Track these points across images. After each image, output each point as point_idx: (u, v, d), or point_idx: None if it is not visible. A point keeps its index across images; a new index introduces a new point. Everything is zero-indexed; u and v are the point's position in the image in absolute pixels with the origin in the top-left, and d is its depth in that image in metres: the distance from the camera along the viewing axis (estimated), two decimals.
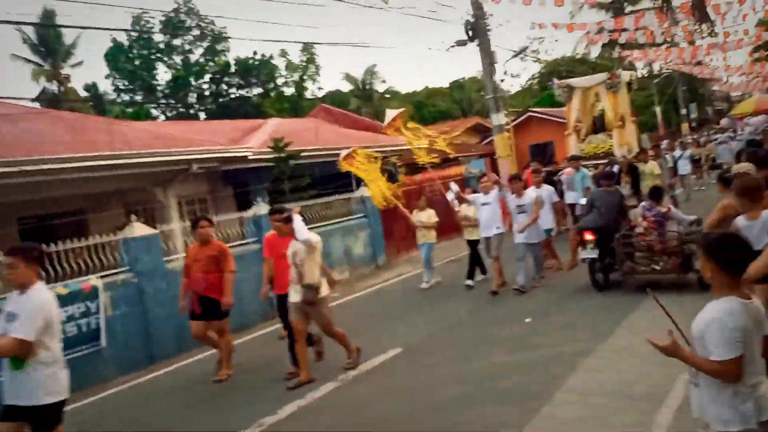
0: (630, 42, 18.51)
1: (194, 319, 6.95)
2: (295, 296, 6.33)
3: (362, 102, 36.36)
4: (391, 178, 18.70)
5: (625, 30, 16.51)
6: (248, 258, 10.36)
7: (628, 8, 25.64)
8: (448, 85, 46.40)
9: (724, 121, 24.87)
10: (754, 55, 26.54)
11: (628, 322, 6.80)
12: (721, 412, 2.63)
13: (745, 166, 6.12)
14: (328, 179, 15.01)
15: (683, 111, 39.00)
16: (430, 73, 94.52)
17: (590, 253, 8.32)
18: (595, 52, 38.32)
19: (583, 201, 10.74)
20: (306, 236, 6.23)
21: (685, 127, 36.60)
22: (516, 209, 9.08)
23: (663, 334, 2.67)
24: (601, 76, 15.58)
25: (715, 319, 2.60)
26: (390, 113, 11.03)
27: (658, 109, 36.22)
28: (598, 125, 15.95)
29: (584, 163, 13.77)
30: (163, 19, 34.41)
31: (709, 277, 2.71)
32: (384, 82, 39.84)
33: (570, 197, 12.38)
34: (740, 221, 4.55)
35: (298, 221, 6.31)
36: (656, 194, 8.56)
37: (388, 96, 39.62)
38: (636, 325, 6.60)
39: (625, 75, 15.68)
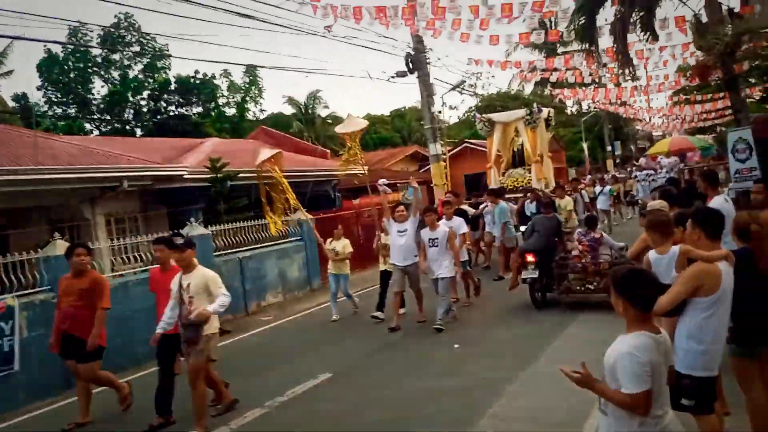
0: (560, 81, 19.42)
1: (68, 358, 6.30)
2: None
3: (305, 126, 36.38)
4: (331, 201, 18.84)
5: (556, 70, 17.36)
6: None
7: (561, 49, 26.98)
8: (389, 114, 47.14)
9: (642, 160, 26.50)
10: (673, 98, 28.43)
11: (551, 349, 7.05)
12: None
13: (659, 203, 6.54)
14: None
15: (609, 148, 41.10)
16: (373, 100, 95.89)
17: (531, 274, 9.01)
18: (528, 89, 40.01)
19: (523, 229, 11.35)
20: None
21: (609, 163, 38.55)
22: (428, 242, 8.63)
23: (577, 364, 2.76)
24: (521, 112, 16.07)
25: (625, 353, 2.68)
26: (354, 120, 10.78)
27: (585, 145, 38.01)
28: (518, 159, 16.43)
29: (507, 196, 14.06)
30: (102, 32, 33.51)
31: (621, 312, 2.80)
32: (327, 107, 40.07)
33: (493, 231, 12.51)
34: (651, 255, 4.83)
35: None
36: (591, 222, 9.57)
37: (330, 121, 39.81)
38: (557, 352, 6.85)
39: (544, 112, 16.07)
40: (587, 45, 10.98)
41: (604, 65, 16.18)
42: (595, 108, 33.61)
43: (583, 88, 21.75)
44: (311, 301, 12.45)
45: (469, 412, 5.36)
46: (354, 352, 8.00)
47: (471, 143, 27.29)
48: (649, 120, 32.00)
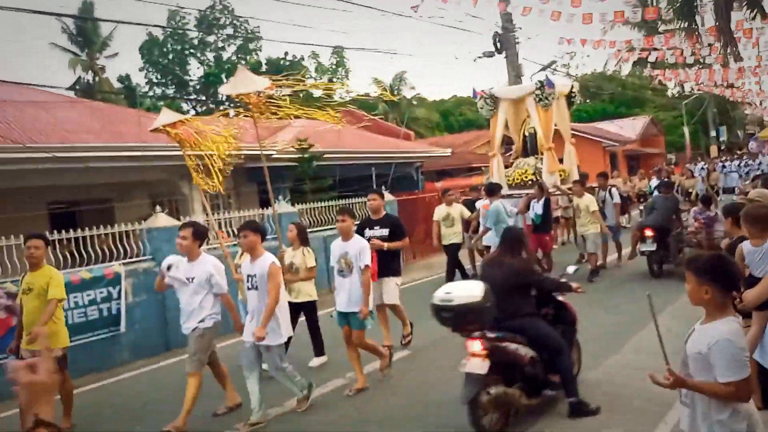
0: (660, 61, 18.31)
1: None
2: None
3: (390, 107, 36.59)
4: (414, 183, 18.95)
5: (655, 49, 16.46)
6: None
7: (661, 27, 25.54)
8: None
9: (752, 145, 24.48)
10: None
11: (636, 338, 6.87)
12: (711, 430, 2.67)
13: (757, 192, 6.18)
14: (350, 181, 15.26)
15: (713, 133, 38.53)
16: (459, 81, 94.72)
17: (649, 247, 9.91)
18: (626, 70, 38.18)
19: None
20: None
21: (713, 149, 36.18)
22: (246, 281, 5.46)
23: (661, 371, 2.71)
24: (531, 86, 12.56)
25: (723, 340, 2.61)
26: (247, 78, 7.52)
27: (686, 130, 35.89)
28: (530, 146, 12.87)
29: (516, 192, 11.76)
30: (198, 15, 35.11)
31: (707, 299, 2.70)
32: (413, 88, 40.06)
33: (487, 237, 10.14)
34: (745, 246, 4.62)
35: None
36: (706, 201, 10.72)
37: (415, 103, 39.79)
38: (642, 342, 6.66)
39: (563, 86, 12.77)
40: (688, 23, 10.35)
41: (709, 45, 15.07)
42: (698, 90, 31.59)
43: (685, 69, 20.48)
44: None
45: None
46: (432, 332, 8.00)
47: None
48: (760, 104, 29.75)
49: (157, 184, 12.90)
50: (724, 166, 23.25)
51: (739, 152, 31.25)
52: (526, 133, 12.89)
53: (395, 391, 6.01)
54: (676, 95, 42.30)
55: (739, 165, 23.13)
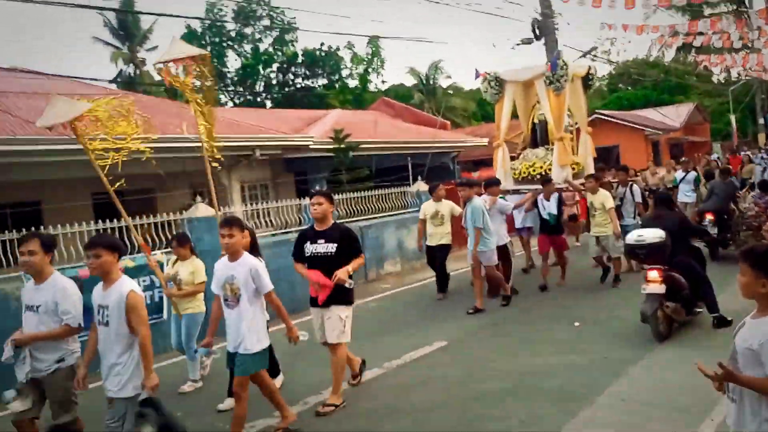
0: (706, 46, 17.68)
1: None
2: None
3: (425, 97, 36.40)
4: (450, 173, 18.82)
5: (701, 34, 15.90)
6: None
7: (707, 11, 24.60)
8: None
9: None
10: None
11: (682, 331, 6.69)
12: (761, 427, 2.61)
13: None
14: (386, 171, 15.27)
15: (761, 120, 37.07)
16: (497, 70, 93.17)
17: (711, 230, 9.84)
18: (669, 56, 36.92)
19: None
20: None
21: (761, 137, 34.85)
22: (98, 313, 4.19)
23: (705, 348, 2.67)
24: (541, 68, 10.97)
25: None
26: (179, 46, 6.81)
27: (733, 118, 34.67)
28: (540, 135, 11.33)
29: (523, 188, 10.73)
30: (236, 8, 35.45)
31: (763, 293, 2.61)
32: (449, 77, 39.83)
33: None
34: None
35: None
36: (765, 186, 10.78)
37: (451, 92, 39.48)
38: (688, 336, 6.49)
39: (579, 68, 11.35)
40: (736, 6, 9.95)
41: (758, 28, 14.47)
42: (746, 76, 30.44)
43: (733, 53, 19.71)
44: (427, 272, 12.57)
45: (588, 390, 5.25)
46: (470, 323, 8.05)
47: (603, 114, 25.95)
48: None
49: (197, 174, 13.09)
50: (763, 157, 21.74)
51: None
52: (536, 121, 11.54)
53: (432, 384, 5.99)
54: (722, 81, 40.80)
55: None
